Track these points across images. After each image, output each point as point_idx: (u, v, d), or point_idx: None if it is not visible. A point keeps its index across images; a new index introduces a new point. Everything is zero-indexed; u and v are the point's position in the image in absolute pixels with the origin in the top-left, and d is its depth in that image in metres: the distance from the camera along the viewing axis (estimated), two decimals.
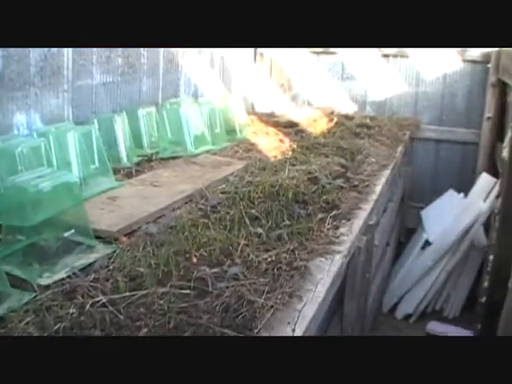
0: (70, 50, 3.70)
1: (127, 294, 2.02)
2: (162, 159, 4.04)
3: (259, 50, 7.08)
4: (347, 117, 6.15)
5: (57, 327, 1.80)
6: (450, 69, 6.49)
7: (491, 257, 4.21)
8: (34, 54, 3.42)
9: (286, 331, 1.87)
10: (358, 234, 2.96)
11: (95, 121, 3.69)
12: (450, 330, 5.03)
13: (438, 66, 6.53)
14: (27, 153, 2.63)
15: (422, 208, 6.42)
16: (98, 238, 2.50)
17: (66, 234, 2.27)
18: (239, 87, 6.66)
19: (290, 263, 2.36)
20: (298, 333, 1.87)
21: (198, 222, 2.71)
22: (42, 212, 2.25)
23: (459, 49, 6.40)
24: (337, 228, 2.88)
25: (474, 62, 6.36)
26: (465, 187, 6.07)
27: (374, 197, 3.56)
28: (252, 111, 6.60)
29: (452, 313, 5.41)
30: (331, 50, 6.91)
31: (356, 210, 3.24)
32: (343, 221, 3.01)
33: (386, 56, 6.73)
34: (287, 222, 2.83)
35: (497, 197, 4.70)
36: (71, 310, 1.90)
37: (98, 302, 1.97)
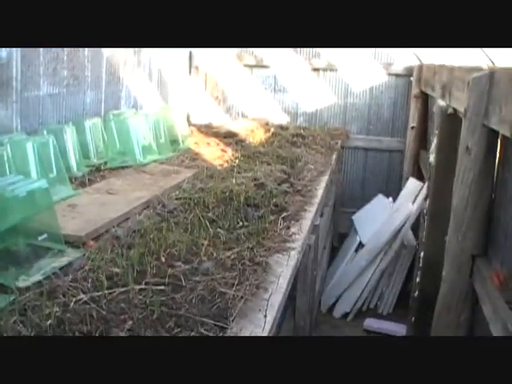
0: (19, 61, 3.74)
1: (107, 291, 2.14)
2: (112, 169, 4.13)
3: (195, 63, 7.27)
4: (282, 127, 6.45)
5: (44, 324, 1.90)
6: (376, 82, 6.94)
7: (422, 253, 4.56)
8: None
9: (259, 317, 2.06)
10: (307, 233, 3.20)
11: (45, 131, 3.75)
12: (384, 325, 5.36)
13: (365, 79, 6.96)
14: None
15: (353, 213, 6.79)
16: (65, 242, 2.59)
17: (40, 238, 2.35)
18: (176, 99, 6.81)
19: (251, 259, 2.56)
20: (270, 319, 2.07)
21: (161, 226, 2.86)
22: (12, 218, 2.33)
23: (384, 63, 6.86)
24: (288, 228, 3.11)
25: (397, 75, 6.84)
26: (392, 192, 6.51)
27: (317, 200, 3.83)
28: (189, 122, 6.76)
29: (386, 309, 5.77)
30: (264, 63, 7.20)
31: (302, 211, 3.49)
32: (292, 221, 3.24)
33: (316, 70, 7.10)
34: (243, 224, 3.02)
35: (425, 199, 5.08)
36: (55, 309, 2.01)
37: (80, 300, 2.08)
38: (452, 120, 4.01)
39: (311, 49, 7.07)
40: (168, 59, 6.53)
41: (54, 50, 4.11)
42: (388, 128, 7.01)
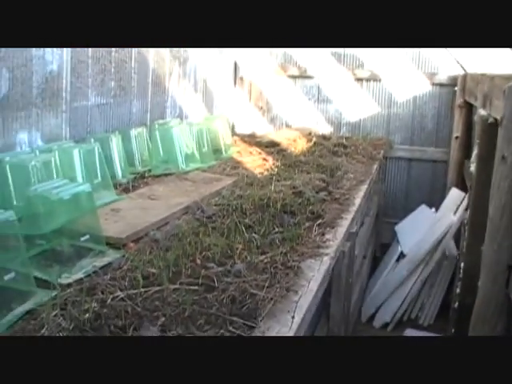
0: (69, 73, 3.94)
1: (143, 289, 2.25)
2: (155, 176, 4.28)
3: (240, 74, 7.41)
4: (324, 137, 6.49)
5: (83, 318, 2.02)
6: (419, 91, 6.91)
7: (462, 264, 4.52)
8: (37, 76, 3.65)
9: (287, 318, 2.12)
10: (342, 239, 3.24)
11: (92, 140, 3.92)
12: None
13: (409, 89, 6.94)
14: (40, 167, 2.85)
15: (396, 223, 6.76)
16: (107, 244, 2.73)
17: (82, 239, 2.49)
18: (221, 109, 6.96)
19: (284, 263, 2.63)
20: (297, 320, 2.13)
21: (198, 230, 2.96)
22: (57, 220, 2.48)
23: (428, 72, 6.83)
24: (323, 234, 3.16)
25: (441, 84, 6.80)
26: (436, 202, 6.45)
27: (354, 208, 3.86)
28: (233, 132, 6.90)
29: (427, 320, 5.71)
30: (308, 73, 7.28)
31: (338, 219, 3.53)
32: (328, 228, 3.29)
33: (359, 80, 7.13)
34: (278, 230, 3.10)
35: (466, 209, 5.04)
36: (93, 304, 2.13)
37: (117, 296, 2.20)
38: (492, 129, 3.98)
39: (354, 59, 7.11)
40: (213, 70, 6.69)
41: (101, 61, 4.30)
42: (432, 138, 6.96)
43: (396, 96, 7.04)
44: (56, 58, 3.76)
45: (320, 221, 3.36)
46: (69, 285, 2.30)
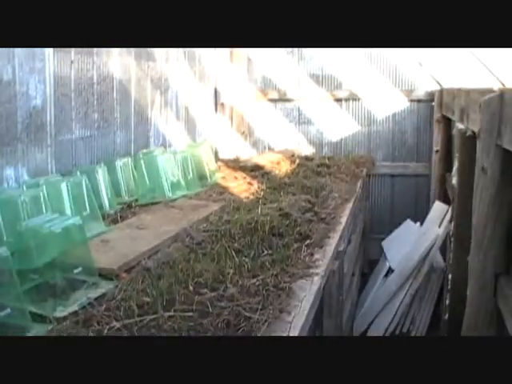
0: (53, 107, 3.97)
1: (138, 318, 2.27)
2: (142, 205, 4.31)
3: (220, 100, 7.50)
4: (307, 158, 6.58)
5: None
6: (398, 108, 7.06)
7: (450, 275, 4.58)
8: (21, 111, 3.68)
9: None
10: (331, 258, 3.29)
11: (78, 172, 3.95)
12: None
13: (387, 107, 7.08)
14: (29, 202, 2.88)
15: (383, 239, 6.83)
16: (99, 275, 2.75)
17: (76, 272, 2.51)
18: (203, 136, 7.03)
19: (275, 285, 2.67)
20: None
21: (189, 257, 2.99)
22: (49, 253, 2.50)
23: (405, 90, 6.98)
24: (312, 254, 3.21)
25: (419, 100, 6.96)
26: (421, 216, 6.54)
27: (341, 227, 3.92)
28: (216, 158, 6.95)
29: (419, 333, 5.75)
30: (288, 96, 7.39)
31: (326, 238, 3.59)
32: (316, 248, 3.35)
33: (338, 100, 7.26)
34: (267, 252, 3.14)
35: (450, 221, 5.12)
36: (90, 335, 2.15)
37: (113, 327, 2.22)
38: (471, 142, 4.08)
39: (333, 79, 7.24)
40: (194, 97, 6.76)
41: (84, 94, 4.35)
42: (413, 153, 7.10)
43: (375, 114, 7.17)
44: (40, 94, 3.80)
45: (308, 241, 3.41)
46: (64, 318, 2.32)
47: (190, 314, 2.34)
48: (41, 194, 3.01)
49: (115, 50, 4.79)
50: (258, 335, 2.08)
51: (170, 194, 4.45)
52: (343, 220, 4.07)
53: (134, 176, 4.65)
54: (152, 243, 3.24)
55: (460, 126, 4.46)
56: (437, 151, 6.68)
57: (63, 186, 3.24)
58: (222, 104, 7.57)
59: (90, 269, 2.63)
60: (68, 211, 3.23)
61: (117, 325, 2.24)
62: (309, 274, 2.90)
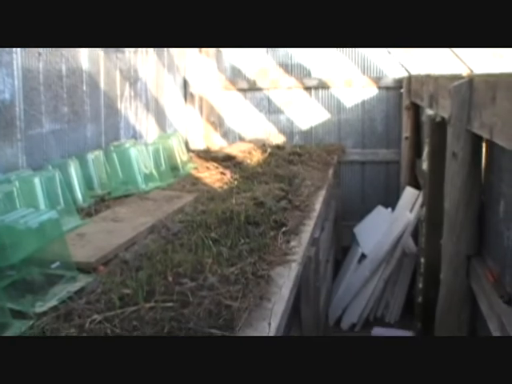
0: (22, 101, 3.91)
1: (119, 311, 2.27)
2: (116, 198, 4.28)
3: (190, 90, 7.46)
4: (278, 147, 6.60)
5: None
6: (367, 96, 7.13)
7: (422, 259, 4.67)
8: None
9: (264, 325, 2.18)
10: (307, 245, 3.33)
11: (50, 167, 3.90)
12: (392, 333, 5.46)
13: (357, 95, 7.14)
14: (2, 198, 2.84)
15: (354, 226, 6.92)
16: (77, 269, 2.73)
17: (53, 267, 2.49)
18: (174, 127, 6.99)
19: (254, 273, 2.69)
20: (274, 326, 2.19)
21: (166, 248, 2.99)
22: (25, 249, 2.47)
23: (373, 77, 7.05)
24: (288, 242, 3.25)
25: (387, 88, 7.03)
26: (392, 202, 6.64)
27: (315, 214, 3.96)
28: (188, 149, 6.93)
29: (393, 317, 5.87)
30: (257, 86, 7.40)
31: (301, 226, 3.62)
32: (292, 235, 3.38)
33: (308, 88, 7.29)
34: (244, 241, 3.16)
35: (421, 206, 5.21)
36: (72, 330, 2.14)
37: (95, 320, 2.21)
38: (440, 128, 4.16)
39: (302, 68, 7.27)
40: (163, 88, 6.72)
41: (53, 87, 4.28)
42: (383, 140, 7.18)
43: (345, 102, 7.23)
44: (8, 87, 3.73)
45: (284, 229, 3.44)
46: (44, 313, 2.30)
47: (171, 304, 2.35)
48: (14, 190, 2.97)
49: None
50: (244, 335, 2.08)
51: (144, 186, 4.43)
52: (317, 207, 4.12)
53: (106, 169, 4.61)
54: (128, 235, 3.23)
55: (429, 112, 4.54)
56: (406, 138, 6.78)
57: (36, 180, 3.20)
58: (192, 94, 7.54)
59: (67, 263, 2.61)
60: (42, 206, 3.19)
61: (98, 317, 2.23)
62: (286, 260, 2.93)
